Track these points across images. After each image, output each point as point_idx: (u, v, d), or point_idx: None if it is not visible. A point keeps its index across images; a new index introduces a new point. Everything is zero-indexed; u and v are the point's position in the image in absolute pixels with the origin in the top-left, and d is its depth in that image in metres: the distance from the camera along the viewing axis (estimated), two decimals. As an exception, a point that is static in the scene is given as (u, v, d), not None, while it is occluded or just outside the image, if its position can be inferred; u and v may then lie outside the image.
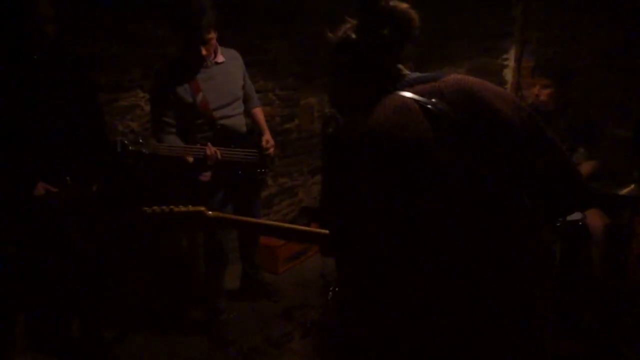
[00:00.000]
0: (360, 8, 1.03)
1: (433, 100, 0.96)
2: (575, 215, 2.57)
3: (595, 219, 2.63)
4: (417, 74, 1.05)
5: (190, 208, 1.30)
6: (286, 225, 1.39)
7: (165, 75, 2.33)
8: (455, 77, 1.03)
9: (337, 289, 3.02)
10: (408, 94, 0.98)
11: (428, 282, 0.93)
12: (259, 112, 2.73)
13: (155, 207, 1.28)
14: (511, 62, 3.63)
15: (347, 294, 1.15)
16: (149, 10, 2.71)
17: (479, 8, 3.62)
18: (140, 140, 2.12)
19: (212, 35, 2.32)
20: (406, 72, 1.08)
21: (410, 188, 0.92)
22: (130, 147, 2.05)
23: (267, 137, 2.63)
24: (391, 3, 1.02)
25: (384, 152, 0.93)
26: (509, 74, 3.67)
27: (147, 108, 2.85)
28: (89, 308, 2.37)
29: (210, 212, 1.32)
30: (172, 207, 1.28)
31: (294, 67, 3.82)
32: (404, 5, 1.03)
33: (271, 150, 2.61)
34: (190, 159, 2.31)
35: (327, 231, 1.23)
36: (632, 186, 2.30)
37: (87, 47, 2.53)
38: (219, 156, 2.31)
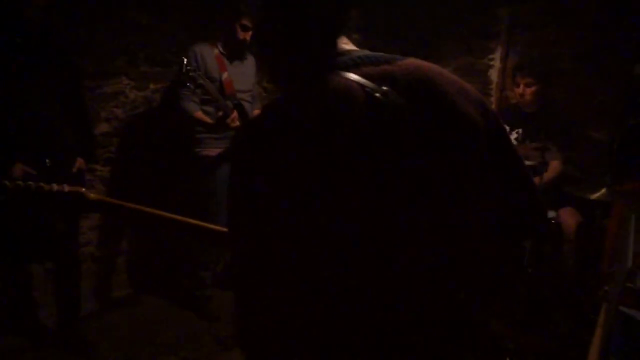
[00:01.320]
0: None
1: (384, 88, 0.76)
2: (550, 214, 2.62)
3: (568, 217, 2.68)
4: (366, 52, 0.85)
5: (67, 188, 1.11)
6: (189, 220, 1.20)
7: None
8: (414, 62, 0.83)
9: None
10: (353, 76, 0.78)
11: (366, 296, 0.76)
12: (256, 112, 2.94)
13: (18, 182, 1.08)
14: (497, 63, 3.68)
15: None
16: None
17: (466, 8, 3.66)
18: None
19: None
20: (351, 46, 0.87)
21: (340, 191, 0.73)
22: None
23: None
24: None
25: (310, 151, 0.74)
26: (494, 74, 3.71)
27: (132, 95, 2.88)
28: (66, 287, 2.39)
29: (92, 195, 1.14)
30: (40, 184, 1.08)
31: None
32: None
33: None
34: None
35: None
36: (604, 190, 2.35)
37: (72, 33, 2.55)
38: (237, 122, 2.57)
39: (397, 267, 0.75)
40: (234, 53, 2.72)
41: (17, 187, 1.07)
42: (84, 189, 1.13)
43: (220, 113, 2.58)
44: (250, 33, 2.60)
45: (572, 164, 2.94)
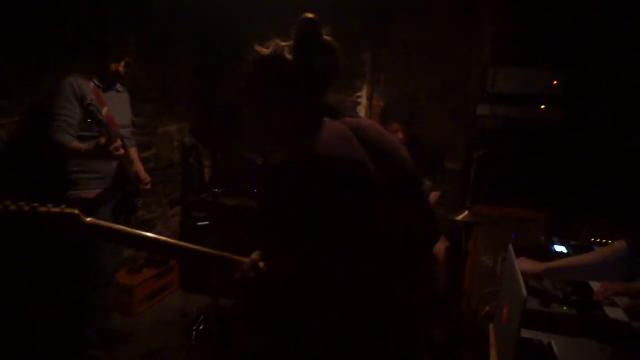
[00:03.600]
0: (302, 36, 1.07)
1: (362, 130, 1.10)
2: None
3: (438, 243, 2.97)
4: (345, 112, 1.16)
5: (65, 209, 1.09)
6: (188, 245, 1.26)
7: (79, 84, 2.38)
8: (366, 119, 1.20)
9: (200, 327, 2.88)
10: (341, 124, 1.09)
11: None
12: (135, 152, 2.82)
13: (7, 203, 1.02)
14: (364, 100, 3.97)
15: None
16: None
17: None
18: None
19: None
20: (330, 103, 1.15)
21: (362, 206, 1.03)
22: None
23: (146, 176, 2.75)
24: (328, 38, 1.09)
25: (340, 172, 1.02)
26: (362, 111, 3.99)
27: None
28: None
29: (88, 219, 1.14)
30: (35, 205, 1.05)
31: (152, 94, 3.63)
32: (337, 45, 1.11)
33: (149, 185, 2.75)
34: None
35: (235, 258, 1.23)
36: (466, 213, 2.66)
37: None
38: (122, 151, 2.37)
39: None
40: (109, 86, 2.53)
41: (5, 208, 1.00)
42: (78, 211, 1.11)
43: (104, 140, 2.31)
44: (123, 64, 2.46)
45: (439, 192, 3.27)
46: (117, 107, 2.56)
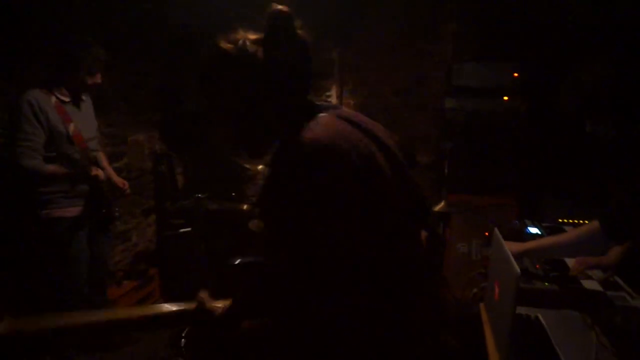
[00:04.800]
0: (274, 29, 0.95)
1: (356, 118, 0.98)
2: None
3: (417, 233, 3.08)
4: (323, 103, 1.04)
5: None
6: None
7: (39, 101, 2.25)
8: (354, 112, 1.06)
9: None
10: (332, 115, 0.96)
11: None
12: (104, 157, 2.75)
13: None
14: (334, 100, 4.04)
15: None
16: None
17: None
18: None
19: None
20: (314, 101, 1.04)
21: (378, 197, 0.90)
22: None
23: (120, 180, 2.70)
24: (301, 32, 0.98)
25: (356, 163, 0.87)
26: (332, 111, 4.07)
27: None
28: None
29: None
30: None
31: (119, 103, 3.57)
32: (305, 33, 0.99)
33: (127, 189, 2.70)
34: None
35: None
36: (443, 203, 2.78)
37: None
38: (102, 177, 2.36)
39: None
40: (77, 100, 2.43)
41: None
42: None
43: (80, 171, 2.28)
44: (99, 75, 2.38)
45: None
46: (83, 118, 2.45)
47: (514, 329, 1.23)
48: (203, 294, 1.07)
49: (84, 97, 2.51)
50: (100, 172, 2.32)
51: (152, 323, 1.08)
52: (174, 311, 1.08)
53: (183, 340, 2.84)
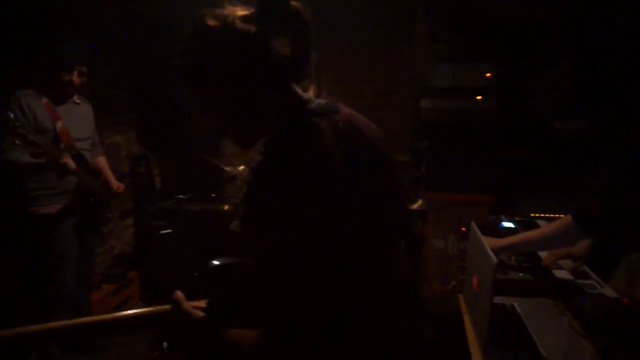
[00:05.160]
0: (265, 3, 0.85)
1: (340, 122, 0.86)
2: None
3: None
4: (322, 101, 0.93)
5: None
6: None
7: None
8: (350, 111, 0.96)
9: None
10: (326, 121, 0.85)
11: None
12: (102, 161, 2.81)
13: None
14: (311, 100, 4.09)
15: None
16: None
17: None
18: None
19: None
20: (310, 93, 0.94)
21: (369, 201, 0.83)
22: None
23: (116, 182, 2.77)
24: (297, 4, 0.87)
25: (356, 176, 0.81)
26: (310, 111, 4.11)
27: None
28: None
29: None
30: None
31: (94, 104, 3.52)
32: (304, 8, 0.88)
33: (121, 191, 2.75)
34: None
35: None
36: (420, 201, 2.85)
37: None
38: (72, 166, 2.31)
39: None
40: (63, 98, 2.46)
41: None
42: None
43: (48, 157, 2.25)
44: (76, 74, 2.40)
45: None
46: (74, 119, 2.50)
47: (492, 317, 1.30)
48: (178, 295, 0.95)
49: (78, 100, 2.57)
50: (70, 162, 2.31)
51: (127, 326, 0.98)
52: (147, 312, 0.98)
53: (164, 343, 2.83)
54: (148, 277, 3.53)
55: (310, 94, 0.96)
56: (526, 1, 3.46)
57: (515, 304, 1.60)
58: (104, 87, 3.56)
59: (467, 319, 1.57)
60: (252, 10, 0.87)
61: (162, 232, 2.82)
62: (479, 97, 3.39)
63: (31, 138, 2.12)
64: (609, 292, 1.73)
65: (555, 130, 1.75)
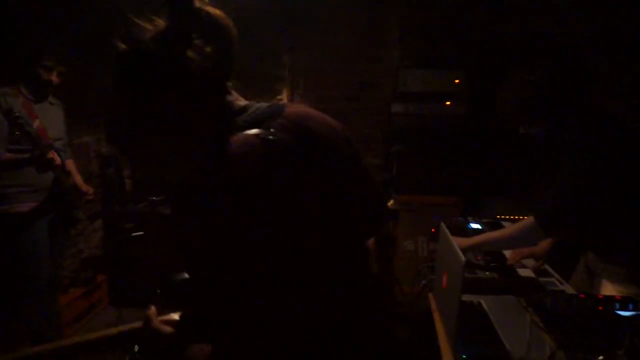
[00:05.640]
0: (172, 13, 0.78)
1: (272, 130, 0.82)
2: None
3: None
4: (257, 105, 0.89)
5: None
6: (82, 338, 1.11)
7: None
8: (297, 109, 0.91)
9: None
10: (251, 131, 0.82)
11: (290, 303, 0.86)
12: (71, 163, 2.78)
13: None
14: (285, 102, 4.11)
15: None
16: None
17: (257, 54, 4.00)
18: None
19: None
20: (242, 100, 0.90)
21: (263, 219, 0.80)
22: None
23: (85, 186, 2.75)
24: (208, 8, 0.81)
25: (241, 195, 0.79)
26: (284, 113, 4.14)
27: None
28: None
29: None
30: None
31: (63, 103, 3.45)
32: (222, 13, 0.83)
33: (91, 196, 2.75)
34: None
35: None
36: (392, 201, 2.92)
37: None
38: (58, 161, 2.35)
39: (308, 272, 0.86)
40: (40, 97, 2.47)
41: None
42: None
43: (37, 152, 2.28)
44: (54, 73, 2.42)
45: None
46: (49, 119, 2.51)
47: (461, 313, 1.36)
48: (150, 311, 0.97)
49: (53, 101, 2.59)
50: (56, 156, 2.35)
51: (102, 344, 1.07)
52: (120, 331, 1.07)
53: (137, 347, 2.80)
54: (117, 281, 3.47)
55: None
56: (494, 13, 3.59)
57: (482, 301, 1.67)
58: (73, 87, 3.49)
59: (437, 316, 1.63)
60: (164, 23, 0.80)
61: (134, 234, 2.78)
62: (448, 103, 3.50)
63: (27, 129, 2.17)
64: (569, 289, 1.83)
65: (520, 135, 1.84)
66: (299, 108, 0.91)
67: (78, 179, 2.73)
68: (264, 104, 0.90)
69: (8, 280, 2.45)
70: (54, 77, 2.41)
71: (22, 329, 2.46)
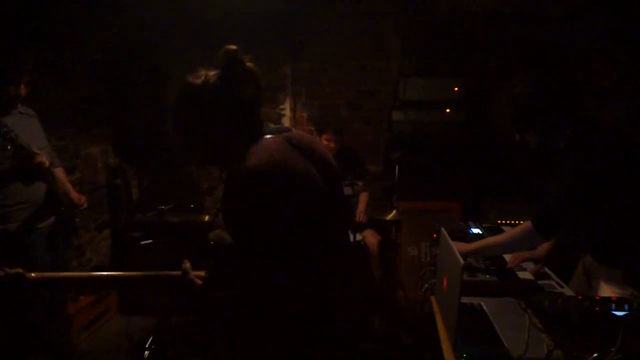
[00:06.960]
0: (228, 66, 1.16)
1: (298, 140, 1.21)
2: (357, 237, 3.15)
3: (371, 237, 3.26)
4: (274, 126, 1.26)
5: (8, 271, 1.19)
6: (125, 273, 1.39)
7: None
8: (300, 132, 1.29)
9: (152, 347, 2.87)
10: (278, 137, 1.18)
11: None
12: (61, 172, 2.69)
13: None
14: (287, 112, 4.19)
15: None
16: None
17: (259, 65, 4.08)
18: None
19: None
20: (268, 123, 1.26)
21: (313, 209, 1.15)
22: None
23: (77, 195, 2.69)
24: (251, 65, 1.19)
25: (291, 181, 1.10)
26: (286, 122, 4.21)
27: None
28: None
29: (32, 274, 1.24)
30: None
31: (69, 115, 3.52)
32: (254, 65, 1.21)
33: (84, 204, 2.72)
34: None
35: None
36: (394, 212, 2.98)
37: None
38: (47, 162, 2.30)
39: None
40: (8, 111, 2.36)
41: None
42: (20, 269, 1.22)
43: (26, 160, 2.25)
44: (22, 86, 2.33)
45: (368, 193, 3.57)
46: (22, 129, 2.36)
47: (461, 315, 1.41)
48: (186, 265, 1.29)
49: (22, 110, 2.46)
50: (44, 159, 2.30)
51: (142, 281, 1.40)
52: (162, 275, 1.35)
53: (147, 352, 2.85)
54: (126, 289, 3.53)
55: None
56: (492, 23, 3.67)
57: (482, 303, 1.72)
58: (81, 99, 3.57)
59: (439, 318, 1.68)
60: (218, 70, 1.18)
61: (143, 242, 2.84)
62: (447, 110, 3.56)
63: (19, 142, 2.14)
64: (568, 291, 1.87)
65: (516, 142, 1.90)
66: (301, 132, 1.30)
67: (69, 187, 2.67)
68: (276, 125, 1.28)
69: (12, 296, 2.43)
70: (22, 91, 2.31)
71: (31, 339, 2.49)
